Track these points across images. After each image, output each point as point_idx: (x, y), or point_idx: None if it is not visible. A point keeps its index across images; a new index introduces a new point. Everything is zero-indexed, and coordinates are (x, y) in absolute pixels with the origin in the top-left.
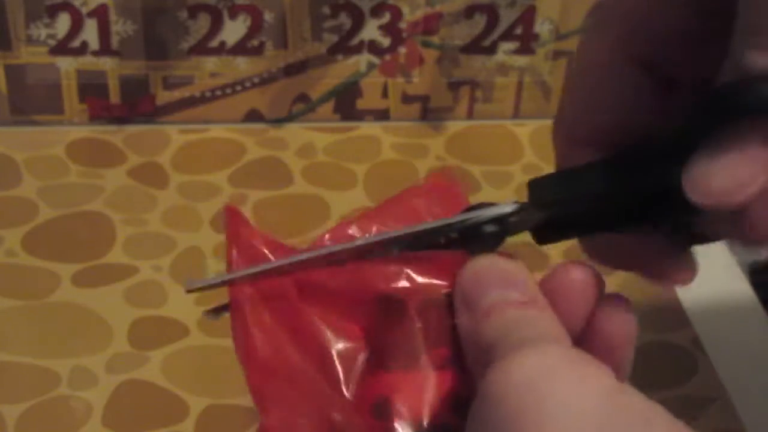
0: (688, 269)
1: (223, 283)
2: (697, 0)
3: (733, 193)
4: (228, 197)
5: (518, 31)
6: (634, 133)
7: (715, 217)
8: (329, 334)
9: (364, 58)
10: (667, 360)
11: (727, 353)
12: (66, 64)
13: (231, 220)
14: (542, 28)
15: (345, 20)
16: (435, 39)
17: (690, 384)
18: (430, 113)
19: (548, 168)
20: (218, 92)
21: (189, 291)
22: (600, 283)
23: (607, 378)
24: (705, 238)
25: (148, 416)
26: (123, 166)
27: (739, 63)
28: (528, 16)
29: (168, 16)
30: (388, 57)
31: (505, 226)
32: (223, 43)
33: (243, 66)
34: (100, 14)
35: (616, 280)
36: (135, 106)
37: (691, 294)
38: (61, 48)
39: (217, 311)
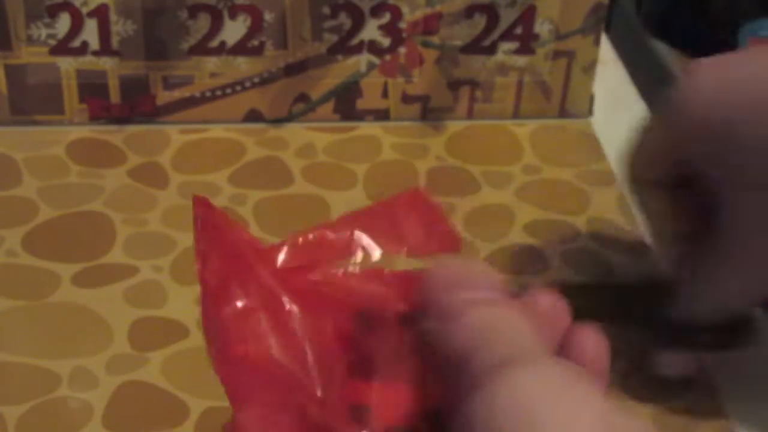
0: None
1: None
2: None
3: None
4: (228, 197)
5: (518, 31)
6: None
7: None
8: (311, 336)
9: (364, 58)
10: None
11: (727, 364)
12: (66, 64)
13: (200, 208)
14: (542, 28)
15: (345, 20)
16: (435, 39)
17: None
18: (430, 113)
19: (548, 168)
20: (218, 92)
21: None
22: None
23: (598, 398)
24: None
25: (148, 418)
26: (123, 166)
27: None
28: (528, 16)
29: (168, 16)
30: (388, 57)
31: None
32: (223, 43)
33: (243, 66)
34: (101, 14)
35: None
36: (135, 106)
37: None
38: (62, 48)
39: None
